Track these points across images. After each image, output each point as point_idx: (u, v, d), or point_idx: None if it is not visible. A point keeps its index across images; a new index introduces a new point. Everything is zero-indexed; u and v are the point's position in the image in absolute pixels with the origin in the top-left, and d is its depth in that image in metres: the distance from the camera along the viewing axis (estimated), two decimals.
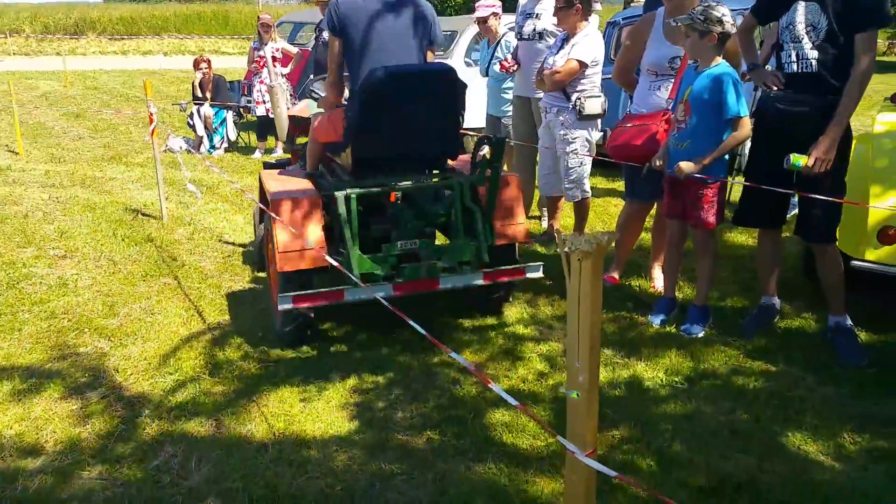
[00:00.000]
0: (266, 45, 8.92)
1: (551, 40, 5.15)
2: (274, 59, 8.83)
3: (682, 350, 3.57)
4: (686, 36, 3.50)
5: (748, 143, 3.76)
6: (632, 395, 3.20)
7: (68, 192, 7.29)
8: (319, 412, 3.12)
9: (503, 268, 3.68)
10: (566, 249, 1.48)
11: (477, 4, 6.13)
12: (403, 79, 3.44)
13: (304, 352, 3.70)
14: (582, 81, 4.80)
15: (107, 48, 31.55)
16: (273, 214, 3.50)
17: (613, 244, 4.61)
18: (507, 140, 3.75)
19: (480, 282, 3.64)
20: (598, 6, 7.67)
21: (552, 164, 5.18)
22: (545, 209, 5.70)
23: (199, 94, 9.59)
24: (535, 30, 5.35)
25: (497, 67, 5.80)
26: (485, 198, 3.68)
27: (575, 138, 4.89)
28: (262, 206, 4.10)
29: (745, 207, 3.72)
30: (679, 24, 3.52)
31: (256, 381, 3.40)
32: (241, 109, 10.00)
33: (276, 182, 3.91)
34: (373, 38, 3.61)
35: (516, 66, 5.55)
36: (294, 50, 9.21)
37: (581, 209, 5.17)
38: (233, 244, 5.54)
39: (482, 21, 6.04)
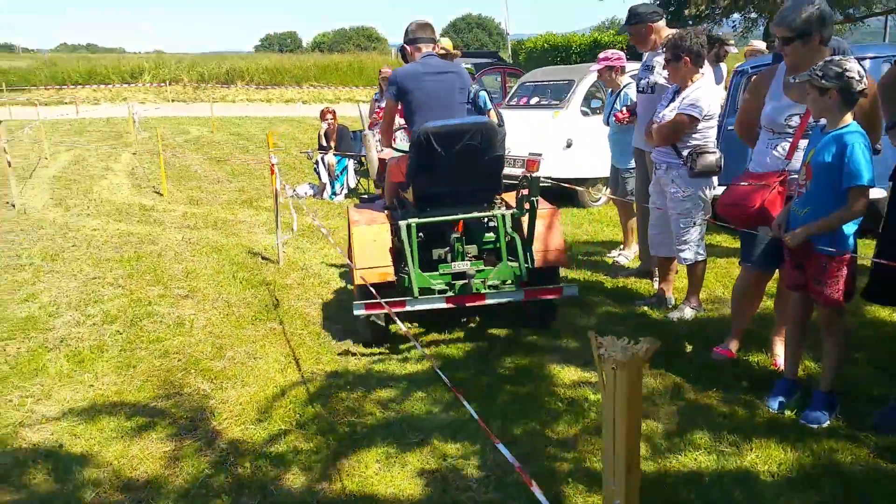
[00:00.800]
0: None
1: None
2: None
3: (801, 442, 3.18)
4: (808, 93, 3.22)
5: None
6: (739, 490, 2.86)
7: (200, 233, 7.76)
8: (394, 476, 3.04)
9: (542, 287, 4.30)
10: (600, 352, 1.31)
11: (600, 55, 6.16)
12: (443, 133, 4.13)
13: (389, 406, 3.65)
14: (694, 136, 4.56)
15: (253, 96, 34.04)
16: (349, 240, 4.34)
17: (731, 312, 4.27)
18: (539, 178, 4.39)
19: (521, 298, 4.26)
20: (733, 49, 7.39)
21: (663, 223, 4.93)
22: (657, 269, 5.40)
23: (325, 143, 10.02)
24: (648, 83, 5.19)
25: (614, 119, 5.80)
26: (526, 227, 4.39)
27: (687, 196, 4.64)
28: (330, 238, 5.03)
29: (876, 282, 3.31)
30: (798, 80, 3.24)
31: (338, 438, 3.37)
32: (362, 158, 10.32)
33: (358, 214, 4.76)
34: (425, 99, 4.48)
35: (629, 117, 5.48)
36: None
37: (694, 273, 4.85)
38: (339, 290, 5.64)
39: (600, 72, 6.06)
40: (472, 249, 4.54)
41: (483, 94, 7.81)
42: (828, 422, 3.31)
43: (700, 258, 4.79)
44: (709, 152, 4.57)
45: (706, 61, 7.02)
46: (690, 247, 4.75)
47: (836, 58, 3.14)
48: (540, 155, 8.83)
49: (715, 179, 4.71)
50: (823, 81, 3.09)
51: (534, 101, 9.97)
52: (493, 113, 7.73)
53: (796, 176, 3.46)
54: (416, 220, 4.28)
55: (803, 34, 3.46)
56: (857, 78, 3.07)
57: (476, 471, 3.07)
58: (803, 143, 3.51)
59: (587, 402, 3.66)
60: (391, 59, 37.73)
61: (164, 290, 5.72)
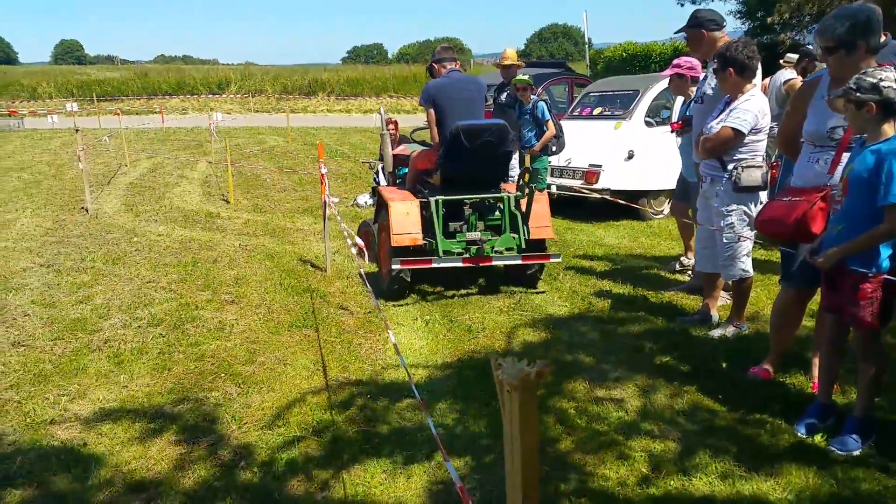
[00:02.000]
0: None
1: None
2: None
3: (825, 469, 2.99)
4: (845, 108, 3.01)
5: None
6: None
7: (258, 240, 7.98)
8: (397, 488, 3.02)
9: (534, 253, 5.55)
10: (497, 373, 1.25)
11: (674, 61, 5.98)
12: (470, 130, 5.27)
13: (405, 417, 3.64)
14: (741, 150, 4.37)
15: (333, 107, 34.86)
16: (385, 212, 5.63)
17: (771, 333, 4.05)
18: (539, 170, 5.90)
19: (519, 262, 5.55)
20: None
21: (708, 238, 4.73)
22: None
23: None
24: (700, 93, 5.02)
25: (670, 127, 5.65)
26: (525, 207, 5.60)
27: (731, 211, 4.45)
28: (353, 248, 5.66)
29: None
30: (832, 97, 3.05)
31: (349, 446, 3.39)
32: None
33: (390, 193, 5.92)
34: (453, 105, 5.62)
35: (679, 127, 5.32)
36: None
37: (739, 290, 4.64)
38: (380, 300, 5.67)
39: (670, 78, 5.98)
40: (481, 224, 5.71)
41: (542, 104, 7.75)
42: (860, 450, 3.10)
43: (745, 275, 4.58)
44: (755, 167, 4.36)
45: (795, 74, 6.70)
46: (735, 263, 4.55)
47: (870, 69, 2.94)
48: (600, 166, 8.78)
49: (763, 195, 4.50)
50: (858, 94, 2.90)
51: (597, 111, 9.79)
52: (551, 124, 7.66)
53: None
54: (442, 197, 5.49)
55: (847, 44, 3.25)
56: (895, 87, 2.86)
57: (480, 487, 3.02)
58: (847, 156, 3.31)
59: (607, 420, 3.55)
60: (469, 69, 37.92)
61: (213, 294, 5.90)
